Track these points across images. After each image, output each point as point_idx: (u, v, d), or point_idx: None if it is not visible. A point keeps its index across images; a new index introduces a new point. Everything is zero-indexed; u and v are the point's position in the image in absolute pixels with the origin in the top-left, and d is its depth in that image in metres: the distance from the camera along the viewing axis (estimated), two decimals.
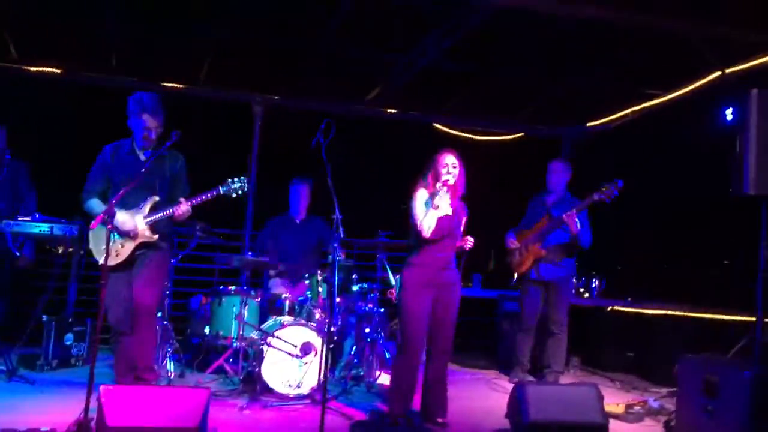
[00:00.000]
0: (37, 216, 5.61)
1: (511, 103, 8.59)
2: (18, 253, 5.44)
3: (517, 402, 4.76)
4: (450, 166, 5.03)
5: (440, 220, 4.96)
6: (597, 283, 8.07)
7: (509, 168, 8.69)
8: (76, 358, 6.21)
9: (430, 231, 4.91)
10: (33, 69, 7.54)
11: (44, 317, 5.90)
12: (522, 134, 9.18)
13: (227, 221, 8.06)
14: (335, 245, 4.55)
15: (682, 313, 7.19)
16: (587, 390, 4.87)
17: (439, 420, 5.00)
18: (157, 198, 4.88)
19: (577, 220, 6.26)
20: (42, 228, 5.54)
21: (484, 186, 8.12)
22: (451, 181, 5.00)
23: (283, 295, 6.08)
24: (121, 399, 3.80)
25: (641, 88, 7.82)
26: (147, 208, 4.86)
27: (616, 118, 8.55)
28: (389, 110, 8.65)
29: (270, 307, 6.33)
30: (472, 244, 5.02)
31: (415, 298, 4.96)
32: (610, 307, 8.01)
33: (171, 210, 4.84)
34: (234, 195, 4.97)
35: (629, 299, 7.79)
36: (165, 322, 5.94)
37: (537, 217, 6.67)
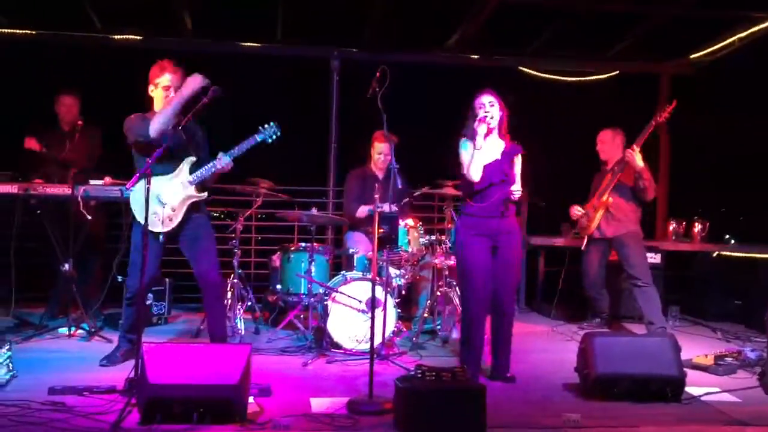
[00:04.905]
0: (107, 180, 5.72)
1: (603, 39, 8.03)
2: (90, 217, 5.56)
3: (586, 354, 4.48)
4: (486, 104, 4.74)
5: (487, 165, 4.68)
6: (700, 227, 7.49)
7: (604, 111, 8.14)
8: (157, 316, 6.37)
9: (479, 175, 4.64)
10: (117, 37, 7.72)
11: (119, 278, 6.02)
12: (617, 72, 8.57)
13: (309, 177, 8.07)
14: (376, 196, 4.37)
15: None
16: (662, 341, 4.51)
17: (508, 375, 4.80)
18: (193, 158, 4.80)
19: (638, 156, 6.03)
20: (112, 192, 5.64)
21: (576, 131, 7.72)
22: (490, 119, 4.69)
23: (351, 250, 5.97)
24: (163, 357, 3.81)
25: (746, 12, 7.10)
26: (186, 169, 4.77)
27: (720, 48, 7.83)
28: (471, 56, 8.29)
29: (347, 263, 6.24)
30: (519, 194, 4.71)
31: (470, 248, 4.71)
32: (716, 252, 7.44)
33: (213, 166, 4.71)
34: (269, 140, 4.81)
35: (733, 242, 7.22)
36: (236, 281, 5.97)
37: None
